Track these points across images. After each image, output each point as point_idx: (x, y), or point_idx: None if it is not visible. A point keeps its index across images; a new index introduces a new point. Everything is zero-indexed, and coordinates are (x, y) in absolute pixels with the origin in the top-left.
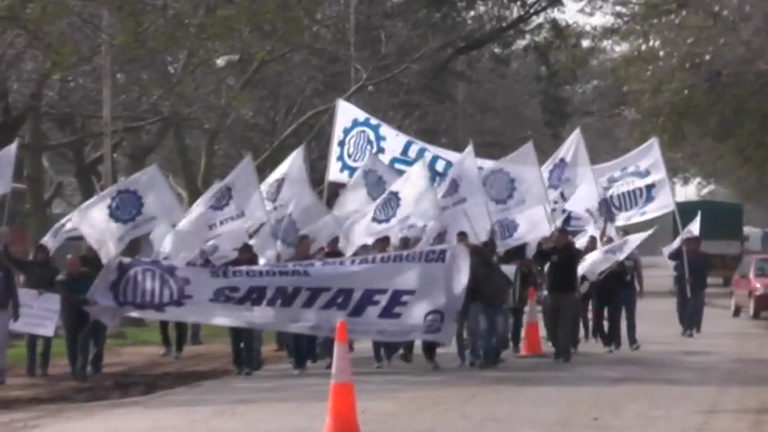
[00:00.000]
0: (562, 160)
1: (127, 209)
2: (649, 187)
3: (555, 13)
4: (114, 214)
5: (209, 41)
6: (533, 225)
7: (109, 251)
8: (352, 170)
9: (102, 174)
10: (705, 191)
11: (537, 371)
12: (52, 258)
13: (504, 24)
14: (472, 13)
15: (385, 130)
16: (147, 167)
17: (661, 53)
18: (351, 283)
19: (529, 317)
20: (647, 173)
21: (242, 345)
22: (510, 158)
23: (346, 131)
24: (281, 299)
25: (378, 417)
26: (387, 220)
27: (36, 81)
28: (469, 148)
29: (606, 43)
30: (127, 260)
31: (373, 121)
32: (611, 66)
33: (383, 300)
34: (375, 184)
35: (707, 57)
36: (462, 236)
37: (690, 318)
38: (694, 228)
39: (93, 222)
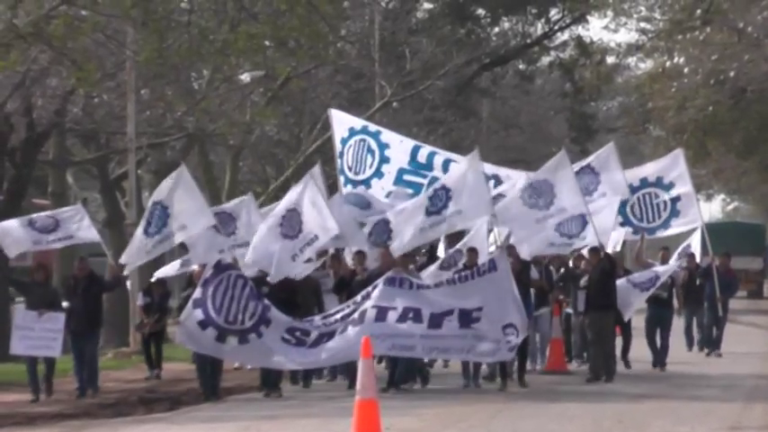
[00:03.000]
0: (591, 168)
1: (155, 221)
2: (674, 200)
3: (579, 30)
4: (147, 231)
5: (233, 57)
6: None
7: (134, 265)
8: (354, 183)
9: (126, 190)
10: (729, 207)
11: (561, 387)
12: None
13: (528, 41)
14: (497, 29)
15: (387, 136)
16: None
17: (685, 70)
18: (417, 304)
19: (554, 332)
20: (671, 185)
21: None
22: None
23: (344, 142)
24: (350, 324)
25: None
26: (437, 212)
27: (60, 97)
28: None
29: (631, 60)
30: (226, 261)
31: (372, 127)
32: (635, 82)
33: (454, 319)
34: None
35: (731, 73)
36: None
37: (717, 337)
38: (694, 246)
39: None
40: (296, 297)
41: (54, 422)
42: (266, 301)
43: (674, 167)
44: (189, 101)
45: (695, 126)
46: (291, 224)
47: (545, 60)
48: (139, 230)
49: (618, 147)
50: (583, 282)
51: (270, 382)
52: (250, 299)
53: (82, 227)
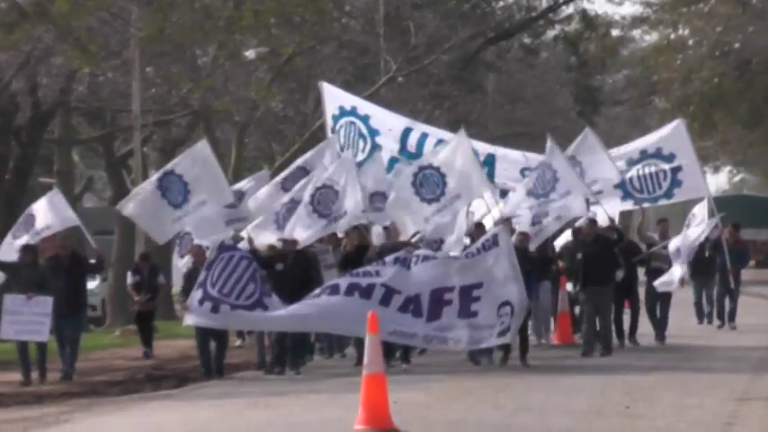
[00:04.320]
0: (572, 158)
1: (173, 193)
2: (675, 170)
3: (584, 3)
4: (165, 195)
5: (238, 34)
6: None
7: (165, 233)
8: None
9: (132, 168)
10: (736, 179)
11: (569, 360)
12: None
13: (533, 15)
14: (501, 3)
15: (376, 121)
16: (195, 145)
17: (690, 42)
18: (416, 288)
19: (561, 306)
20: (671, 156)
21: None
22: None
23: (335, 119)
24: (357, 291)
25: (410, 407)
26: (437, 199)
27: (65, 76)
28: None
29: (636, 32)
30: (229, 242)
31: (361, 110)
32: (640, 55)
33: (454, 298)
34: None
35: (736, 45)
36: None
37: (731, 309)
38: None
39: (144, 204)
40: (311, 272)
41: (61, 400)
42: (267, 288)
43: (673, 138)
44: (194, 78)
45: (701, 98)
46: (326, 202)
47: (550, 34)
48: (156, 192)
49: (623, 120)
50: (578, 255)
51: (269, 359)
52: (250, 281)
53: (59, 212)
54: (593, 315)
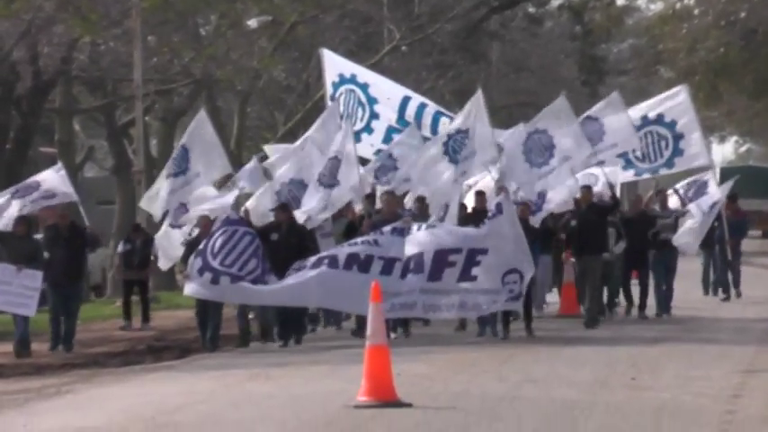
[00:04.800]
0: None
1: (176, 162)
2: (677, 138)
3: None
4: (169, 169)
5: (239, 3)
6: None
7: (161, 205)
8: None
9: (133, 137)
10: (742, 149)
11: (573, 331)
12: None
13: None
14: None
15: (375, 89)
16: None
17: (696, 11)
18: (419, 248)
19: (566, 277)
20: (672, 123)
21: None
22: (543, 115)
23: (335, 87)
24: (356, 264)
25: (413, 379)
26: (463, 160)
27: (66, 45)
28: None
29: (641, 1)
30: (234, 216)
31: (361, 78)
32: (646, 24)
33: (459, 260)
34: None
35: (742, 14)
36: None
37: (734, 279)
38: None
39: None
40: (306, 242)
41: (62, 372)
42: (268, 266)
43: (676, 104)
44: (196, 47)
45: (706, 67)
46: (332, 172)
47: (554, 3)
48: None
49: (628, 90)
50: (573, 223)
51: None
52: (252, 257)
53: (63, 185)
54: (588, 285)
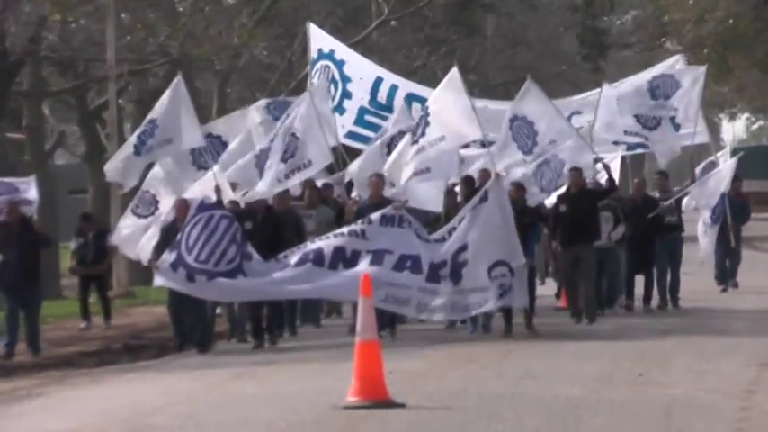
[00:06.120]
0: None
1: (145, 135)
2: (672, 112)
3: None
4: (137, 147)
5: None
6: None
7: (131, 174)
8: None
9: (107, 121)
10: (755, 127)
11: (576, 325)
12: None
13: None
14: None
15: (349, 68)
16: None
17: None
18: (413, 250)
19: None
20: (667, 96)
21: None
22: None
23: (313, 63)
24: (341, 262)
25: (406, 376)
26: (416, 142)
27: (35, 23)
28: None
29: None
30: (209, 200)
31: (338, 54)
32: None
33: (446, 271)
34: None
35: None
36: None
37: (732, 268)
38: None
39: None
40: (283, 233)
41: (34, 373)
42: (249, 249)
43: (672, 76)
44: (172, 24)
45: (715, 40)
46: (290, 147)
47: None
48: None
49: (632, 64)
50: (561, 208)
51: (237, 328)
52: (231, 243)
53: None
54: (575, 277)
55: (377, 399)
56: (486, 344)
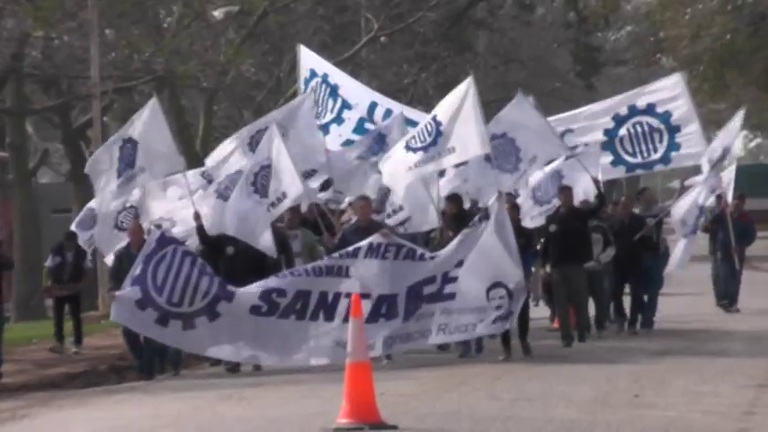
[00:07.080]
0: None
1: (124, 159)
2: (672, 131)
3: None
4: (116, 166)
5: None
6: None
7: (108, 208)
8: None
9: (91, 139)
10: (752, 144)
11: (566, 348)
12: None
13: None
14: None
15: (344, 93)
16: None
17: None
18: (391, 288)
19: None
20: (666, 114)
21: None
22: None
23: (306, 83)
24: (323, 311)
25: (398, 399)
26: (423, 149)
27: (17, 40)
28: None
29: None
30: (170, 233)
31: (332, 78)
32: (645, 10)
33: (434, 288)
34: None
35: None
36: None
37: (732, 292)
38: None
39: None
40: (264, 261)
41: (18, 395)
42: (218, 282)
43: (669, 94)
44: (157, 41)
45: (711, 56)
46: (264, 181)
47: None
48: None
49: (627, 81)
50: (552, 227)
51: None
52: (202, 275)
53: None
54: (567, 299)
55: (368, 421)
56: (479, 366)
